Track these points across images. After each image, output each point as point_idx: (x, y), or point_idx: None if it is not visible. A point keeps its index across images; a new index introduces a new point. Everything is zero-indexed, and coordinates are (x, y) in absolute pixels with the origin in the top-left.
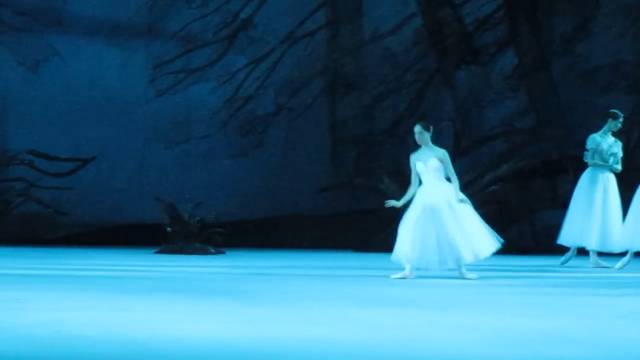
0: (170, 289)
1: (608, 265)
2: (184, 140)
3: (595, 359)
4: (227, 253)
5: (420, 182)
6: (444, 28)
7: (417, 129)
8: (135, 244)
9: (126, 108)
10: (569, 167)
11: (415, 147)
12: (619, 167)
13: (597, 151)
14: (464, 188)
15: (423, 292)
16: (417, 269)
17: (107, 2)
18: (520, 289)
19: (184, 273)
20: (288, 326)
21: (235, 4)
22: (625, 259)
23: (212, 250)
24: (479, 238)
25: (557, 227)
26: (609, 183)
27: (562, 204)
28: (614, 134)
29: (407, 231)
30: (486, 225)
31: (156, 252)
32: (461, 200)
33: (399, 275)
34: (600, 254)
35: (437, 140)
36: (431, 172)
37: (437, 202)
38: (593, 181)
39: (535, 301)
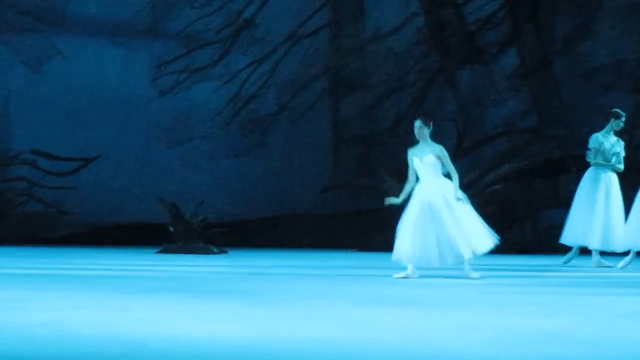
0: (172, 289)
1: (610, 264)
2: (186, 139)
3: (597, 359)
4: (229, 253)
5: (417, 178)
6: (446, 27)
7: (418, 123)
8: (137, 243)
9: (128, 107)
10: (572, 166)
11: (415, 143)
12: (621, 166)
13: (600, 151)
14: (466, 188)
15: (425, 291)
16: (419, 268)
17: (110, 1)
18: (522, 288)
19: (186, 273)
20: (290, 326)
21: (238, 3)
22: (627, 259)
23: (214, 250)
24: (476, 234)
25: (559, 227)
26: (611, 182)
27: (565, 204)
28: (616, 134)
29: (406, 231)
30: (483, 221)
31: (158, 252)
32: (459, 199)
33: (401, 274)
34: (603, 253)
35: (439, 140)
36: (428, 168)
37: (434, 199)
38: (595, 181)
39: (537, 301)
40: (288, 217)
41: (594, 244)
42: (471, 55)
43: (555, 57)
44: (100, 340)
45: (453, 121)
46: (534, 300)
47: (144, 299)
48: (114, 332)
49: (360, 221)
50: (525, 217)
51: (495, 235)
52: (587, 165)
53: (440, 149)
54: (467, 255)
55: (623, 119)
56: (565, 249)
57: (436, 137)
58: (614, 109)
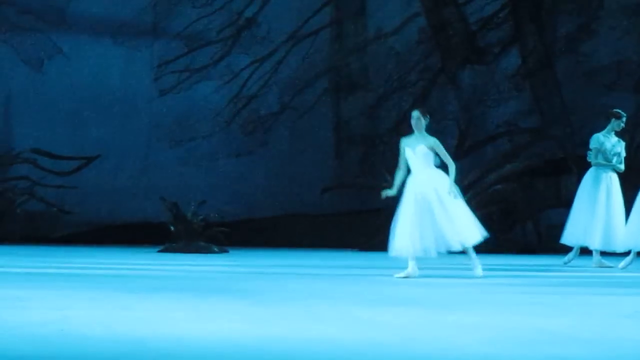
0: (174, 288)
1: (611, 264)
2: (187, 139)
3: (599, 359)
4: (231, 252)
5: (408, 170)
6: (448, 27)
7: (415, 114)
8: (138, 242)
9: (130, 107)
10: (573, 166)
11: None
12: (622, 166)
13: (601, 151)
14: (467, 188)
15: (426, 291)
16: (420, 268)
17: (112, 1)
18: (523, 288)
19: (187, 272)
20: (290, 325)
21: (240, 3)
22: (628, 259)
23: (216, 249)
24: (465, 226)
25: (560, 227)
26: (612, 183)
27: (566, 204)
28: (617, 134)
29: (404, 226)
30: (473, 215)
31: (159, 251)
32: (451, 193)
33: (402, 274)
34: (604, 253)
35: (441, 140)
36: (420, 159)
37: (426, 190)
38: (596, 181)
39: (538, 300)
40: (289, 216)
41: (595, 244)
42: (473, 55)
43: (557, 57)
44: (101, 339)
45: (455, 121)
46: (535, 300)
47: (145, 298)
48: (115, 331)
49: (362, 221)
50: (527, 217)
51: (484, 229)
52: (588, 166)
53: (434, 141)
54: (455, 247)
55: (624, 119)
56: (566, 249)
57: (438, 137)
58: (615, 109)
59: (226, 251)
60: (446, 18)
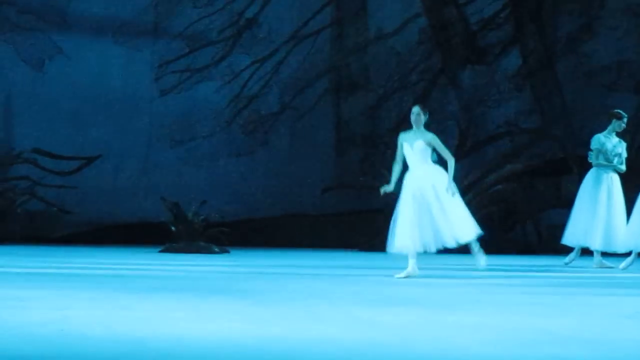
0: (174, 288)
1: (612, 265)
2: (188, 139)
3: (599, 359)
4: (231, 252)
5: (405, 164)
6: (448, 28)
7: (416, 109)
8: (139, 242)
9: (130, 107)
10: (574, 166)
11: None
12: (623, 167)
13: (602, 151)
14: (468, 188)
15: (427, 291)
16: (420, 268)
17: (112, 0)
18: (524, 288)
19: (188, 272)
20: (291, 325)
21: (240, 3)
22: (629, 259)
23: (216, 249)
24: (460, 223)
25: (561, 227)
26: (613, 183)
27: (567, 204)
28: (618, 134)
29: (403, 224)
30: (469, 212)
31: (160, 251)
32: (449, 190)
33: (403, 274)
34: (604, 254)
35: (442, 140)
36: (417, 154)
37: (424, 186)
38: (597, 181)
39: (539, 301)
40: (290, 216)
41: (596, 245)
42: (473, 56)
43: (558, 58)
44: (101, 339)
45: (455, 121)
46: (536, 300)
47: (145, 298)
48: (115, 331)
49: (362, 221)
50: (527, 217)
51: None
52: (589, 166)
53: (432, 137)
54: (450, 244)
55: (625, 119)
56: (566, 250)
57: (438, 137)
58: (616, 110)
59: (227, 251)
60: (447, 18)
